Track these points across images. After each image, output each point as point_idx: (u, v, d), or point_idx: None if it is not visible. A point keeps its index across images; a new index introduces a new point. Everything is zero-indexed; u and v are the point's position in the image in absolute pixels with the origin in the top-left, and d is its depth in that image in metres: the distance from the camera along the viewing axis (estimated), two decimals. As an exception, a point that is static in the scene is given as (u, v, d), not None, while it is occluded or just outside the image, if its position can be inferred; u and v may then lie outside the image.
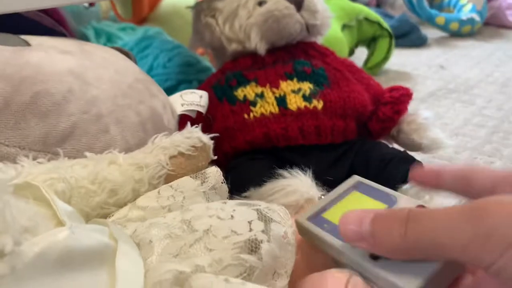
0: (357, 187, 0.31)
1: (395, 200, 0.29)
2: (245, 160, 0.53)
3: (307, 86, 0.55)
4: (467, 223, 0.22)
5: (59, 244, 0.25)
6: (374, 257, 0.26)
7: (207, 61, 0.75)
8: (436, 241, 0.23)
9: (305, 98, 0.54)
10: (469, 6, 1.38)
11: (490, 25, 1.49)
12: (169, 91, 0.69)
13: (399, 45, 1.20)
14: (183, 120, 0.51)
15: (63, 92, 0.38)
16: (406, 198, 0.29)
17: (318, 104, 0.54)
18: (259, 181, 0.47)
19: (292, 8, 0.57)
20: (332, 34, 0.85)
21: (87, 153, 0.37)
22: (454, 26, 1.34)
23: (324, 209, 0.31)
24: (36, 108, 0.36)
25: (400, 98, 0.59)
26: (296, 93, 0.54)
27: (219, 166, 0.50)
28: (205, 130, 0.45)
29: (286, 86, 0.55)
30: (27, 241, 0.24)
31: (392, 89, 0.61)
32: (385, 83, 1.01)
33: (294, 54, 0.60)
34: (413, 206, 0.28)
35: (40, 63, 0.38)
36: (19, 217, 0.26)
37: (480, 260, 0.21)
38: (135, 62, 0.55)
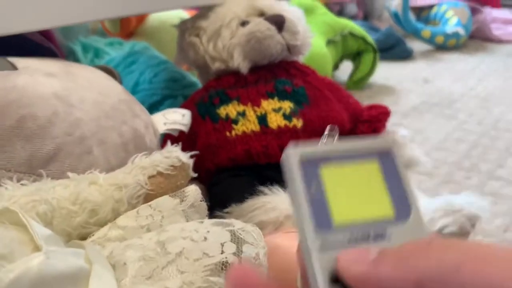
0: (382, 158, 0.21)
1: (407, 212, 0.20)
2: (227, 176, 0.55)
3: (287, 105, 0.57)
4: None
5: (33, 270, 0.26)
6: (335, 280, 0.19)
7: (193, 77, 0.76)
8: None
9: (286, 116, 0.56)
10: (455, 20, 1.41)
11: (475, 38, 1.52)
12: (155, 106, 0.71)
13: (385, 58, 1.22)
14: (166, 139, 0.53)
15: (48, 115, 0.40)
16: (418, 217, 0.20)
17: (298, 122, 0.55)
18: (241, 198, 0.49)
19: (273, 29, 0.59)
20: (317, 50, 0.87)
21: (69, 174, 0.39)
22: (439, 39, 1.37)
23: (327, 158, 0.21)
24: (22, 131, 0.38)
25: (378, 117, 0.62)
26: (276, 111, 0.56)
27: (201, 183, 0.52)
28: (188, 148, 0.46)
29: (267, 105, 0.57)
30: (3, 268, 0.25)
31: (370, 107, 0.63)
32: (369, 97, 1.03)
33: (276, 73, 0.62)
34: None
35: (26, 86, 0.40)
36: (-4, 244, 0.27)
37: None
38: (120, 80, 0.57)
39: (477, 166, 0.75)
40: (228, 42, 0.60)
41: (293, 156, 0.20)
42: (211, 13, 0.63)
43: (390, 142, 0.21)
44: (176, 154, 0.42)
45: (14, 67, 0.43)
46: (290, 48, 0.61)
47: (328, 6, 1.46)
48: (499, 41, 1.51)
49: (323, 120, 0.57)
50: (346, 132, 0.60)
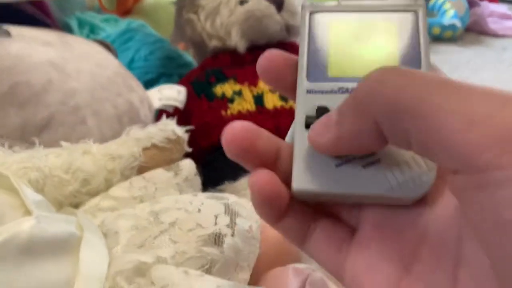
0: (402, 18, 0.20)
1: (418, 59, 0.19)
2: (220, 155, 0.54)
3: (283, 86, 0.57)
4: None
5: (23, 233, 0.26)
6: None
7: (189, 56, 0.76)
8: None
9: (282, 97, 0.55)
10: (452, 12, 1.41)
11: (471, 31, 1.51)
12: (149, 84, 0.70)
13: (381, 47, 1.22)
14: (160, 115, 0.53)
15: (42, 83, 0.39)
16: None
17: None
18: (234, 176, 0.49)
19: (272, 8, 0.58)
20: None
21: (62, 143, 0.38)
22: (436, 30, 1.37)
23: (341, 13, 0.20)
24: (15, 98, 0.37)
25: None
26: (273, 92, 0.56)
27: (194, 161, 0.52)
28: (181, 125, 0.46)
29: (264, 85, 0.56)
30: (-6, 231, 0.25)
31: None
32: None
33: (273, 53, 0.61)
34: None
35: (20, 54, 0.39)
36: (-12, 206, 0.27)
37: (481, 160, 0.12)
38: (116, 54, 0.56)
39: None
40: (226, 20, 0.59)
41: (307, 8, 0.20)
42: (210, -10, 0.62)
43: (418, 4, 0.20)
44: (171, 127, 0.42)
45: (8, 34, 0.42)
46: (289, 29, 0.61)
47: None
48: (494, 35, 1.51)
49: (320, 101, 0.56)
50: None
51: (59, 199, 0.36)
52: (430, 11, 1.52)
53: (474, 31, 1.52)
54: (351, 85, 0.18)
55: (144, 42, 0.73)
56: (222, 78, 0.58)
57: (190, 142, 0.45)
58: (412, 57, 0.19)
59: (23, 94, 0.38)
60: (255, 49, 0.61)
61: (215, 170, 0.53)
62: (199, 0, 0.62)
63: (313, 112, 0.18)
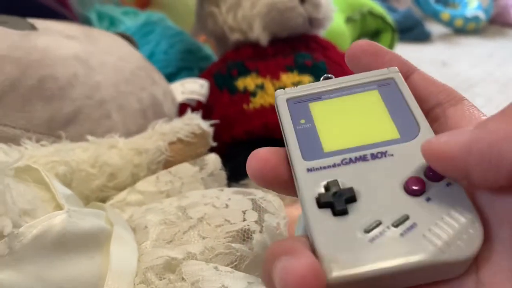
0: (383, 87, 0.20)
1: (415, 131, 0.18)
2: (243, 149, 0.53)
3: (307, 79, 0.56)
4: None
5: (56, 227, 0.26)
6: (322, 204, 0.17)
7: (208, 49, 0.75)
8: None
9: (305, 90, 0.55)
10: (475, 3, 1.37)
11: (495, 23, 1.48)
12: (170, 77, 0.70)
13: (402, 39, 1.20)
14: (183, 108, 0.52)
15: (68, 77, 0.39)
16: (428, 133, 0.18)
17: (317, 97, 0.54)
18: (256, 171, 0.48)
19: (295, 1, 0.57)
20: (335, 28, 0.85)
21: (88, 137, 0.38)
22: (458, 22, 1.34)
23: (318, 96, 0.20)
24: (42, 92, 0.37)
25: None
26: (296, 85, 0.55)
27: (217, 154, 0.51)
28: (204, 119, 0.46)
29: (287, 78, 0.56)
30: (26, 224, 0.25)
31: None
32: (386, 77, 1.02)
33: (295, 46, 0.60)
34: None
35: (47, 47, 0.39)
36: (19, 200, 0.27)
37: None
38: (137, 47, 0.56)
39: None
40: (249, 13, 0.59)
41: (281, 96, 0.21)
42: (232, -18, 0.61)
43: (393, 72, 0.20)
44: (197, 121, 0.41)
45: (34, 28, 0.42)
46: (312, 21, 0.60)
47: (346, -16, 1.43)
48: (519, 27, 1.47)
49: (343, 95, 0.55)
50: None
51: (86, 193, 0.36)
52: (451, 3, 1.49)
53: (497, 23, 1.48)
54: (354, 155, 0.18)
55: (164, 35, 0.72)
56: (244, 71, 0.57)
57: (213, 136, 0.44)
58: (407, 120, 0.19)
59: (50, 88, 0.38)
60: (277, 42, 0.60)
61: (238, 164, 0.52)
62: (221, -8, 0.61)
63: (321, 190, 0.17)
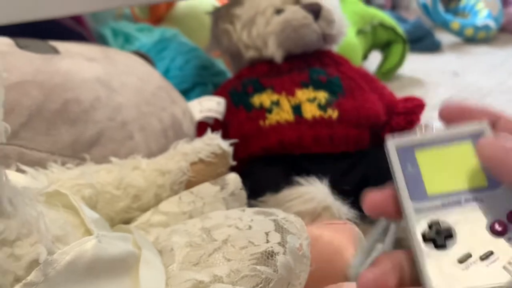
0: (475, 138, 0.23)
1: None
2: (260, 165, 0.54)
3: (322, 95, 0.56)
4: None
5: (87, 253, 0.26)
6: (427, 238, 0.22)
7: (222, 64, 0.76)
8: None
9: (320, 107, 0.55)
10: (485, 12, 1.37)
11: (505, 31, 1.48)
12: (185, 93, 0.71)
13: (413, 49, 1.20)
14: (201, 126, 0.53)
15: (91, 99, 0.40)
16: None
17: (333, 113, 0.55)
18: (275, 187, 0.49)
19: (310, 18, 0.58)
20: (347, 40, 0.86)
21: (112, 158, 0.39)
22: (469, 32, 1.34)
23: (422, 144, 0.24)
24: (66, 115, 0.38)
25: (413, 109, 0.60)
26: (311, 102, 0.56)
27: (233, 171, 0.52)
28: (221, 136, 0.46)
29: (302, 95, 0.56)
30: (59, 250, 0.26)
31: (405, 100, 0.62)
32: (398, 89, 1.01)
33: (309, 62, 0.61)
34: None
35: (70, 71, 0.40)
36: (51, 226, 0.27)
37: None
38: (154, 65, 0.57)
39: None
40: (263, 30, 0.59)
41: (390, 144, 0.25)
42: (245, 0, 0.62)
43: (483, 125, 0.23)
44: (217, 141, 0.42)
45: (56, 51, 0.43)
46: (326, 37, 0.60)
47: (355, -5, 1.44)
48: (529, 35, 1.47)
49: (359, 111, 0.56)
50: (382, 123, 0.59)
51: (111, 215, 0.37)
52: (461, 12, 1.49)
53: (508, 31, 1.48)
54: (451, 199, 0.22)
55: (179, 51, 0.74)
56: (259, 88, 0.58)
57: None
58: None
59: (74, 111, 0.39)
60: (292, 58, 0.61)
61: (255, 181, 0.53)
62: (235, 10, 0.62)
63: (426, 227, 0.21)
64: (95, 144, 0.39)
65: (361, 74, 0.62)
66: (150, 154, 0.43)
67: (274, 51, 0.59)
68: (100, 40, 0.75)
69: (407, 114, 0.60)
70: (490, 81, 1.08)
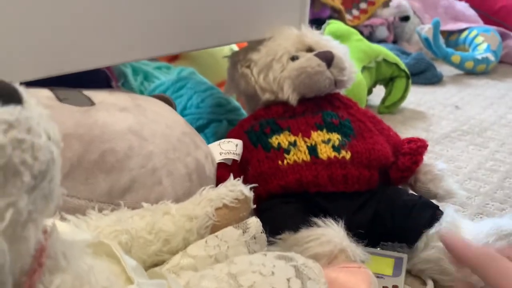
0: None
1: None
2: (278, 202, 0.57)
3: (335, 137, 0.60)
4: None
5: (132, 303, 0.29)
6: None
7: (235, 101, 0.80)
8: None
9: (335, 148, 0.58)
10: (484, 46, 1.42)
11: (504, 63, 1.53)
12: (200, 129, 0.75)
13: (415, 82, 1.24)
14: (221, 167, 0.56)
15: (124, 149, 0.43)
16: None
17: (346, 154, 0.58)
18: (293, 226, 0.51)
19: (323, 65, 0.62)
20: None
21: (144, 204, 0.42)
22: (469, 64, 1.39)
23: None
24: (103, 165, 0.41)
25: (418, 150, 0.64)
26: (326, 143, 0.59)
27: (253, 208, 0.54)
28: (240, 174, 0.49)
29: (317, 136, 0.60)
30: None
31: (410, 141, 0.66)
32: (401, 122, 1.05)
33: (321, 105, 0.65)
34: None
35: (105, 122, 0.44)
36: (99, 278, 0.30)
37: None
38: (175, 108, 0.60)
39: (511, 197, 0.76)
40: (279, 75, 0.63)
41: None
42: (262, 47, 0.66)
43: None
44: (239, 187, 0.45)
45: (91, 102, 0.47)
46: (337, 83, 0.64)
47: (359, 28, 1.49)
48: (528, 67, 1.51)
49: (370, 152, 0.59)
50: (390, 164, 0.62)
51: (143, 258, 0.40)
52: (462, 45, 1.54)
53: (507, 63, 1.53)
54: None
55: (196, 90, 0.77)
56: (277, 129, 0.61)
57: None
58: None
59: (110, 161, 0.42)
60: (305, 101, 0.65)
61: (274, 217, 0.56)
62: (252, 55, 0.66)
63: None
64: (128, 191, 0.43)
65: (368, 116, 0.66)
66: (177, 198, 0.46)
67: (289, 95, 0.63)
68: (121, 77, 0.79)
69: (412, 154, 0.63)
70: (491, 114, 1.12)
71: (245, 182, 0.56)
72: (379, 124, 0.67)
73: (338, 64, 0.63)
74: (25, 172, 0.24)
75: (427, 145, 0.66)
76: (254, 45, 0.68)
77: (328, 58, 0.62)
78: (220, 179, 0.56)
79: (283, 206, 0.56)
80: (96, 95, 0.49)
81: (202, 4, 0.60)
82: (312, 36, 0.67)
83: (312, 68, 0.61)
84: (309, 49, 0.66)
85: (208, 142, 0.72)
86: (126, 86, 0.80)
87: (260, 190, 0.58)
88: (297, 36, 0.66)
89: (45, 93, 0.45)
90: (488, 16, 1.76)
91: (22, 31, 0.46)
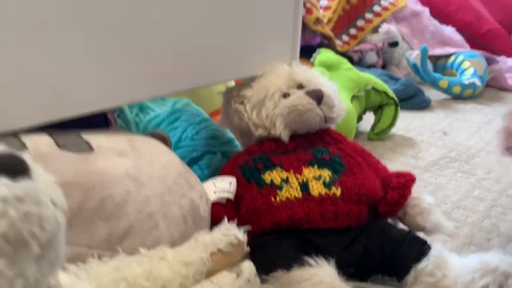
0: None
1: None
2: (271, 238, 0.58)
3: (326, 173, 0.62)
4: None
5: None
6: None
7: (230, 133, 0.81)
8: None
9: (326, 185, 0.60)
10: (471, 71, 1.46)
11: (491, 87, 1.57)
12: (195, 161, 0.76)
13: (404, 108, 1.27)
14: (215, 206, 0.58)
15: (122, 195, 0.45)
16: None
17: (337, 191, 0.60)
18: (285, 264, 0.53)
19: (313, 103, 0.64)
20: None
21: (141, 249, 0.43)
22: (456, 89, 1.42)
23: None
24: (102, 212, 0.43)
25: (406, 184, 0.66)
26: (317, 179, 0.61)
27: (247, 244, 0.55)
28: (233, 210, 0.50)
29: (308, 173, 0.61)
30: None
31: (398, 175, 0.68)
32: (391, 149, 1.08)
33: (312, 141, 0.67)
34: None
35: (104, 169, 0.45)
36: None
37: None
38: (171, 145, 0.62)
39: (497, 226, 0.78)
40: (271, 112, 0.65)
41: None
42: (254, 83, 0.68)
43: None
44: (233, 232, 0.47)
45: (90, 147, 0.48)
46: (327, 119, 0.66)
47: (349, 54, 1.53)
48: (514, 90, 1.55)
49: (359, 188, 0.61)
50: (379, 199, 0.64)
51: (140, 304, 0.41)
52: (449, 69, 1.58)
53: (493, 87, 1.57)
54: None
55: (190, 122, 0.79)
56: (269, 165, 0.63)
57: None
58: None
59: (108, 207, 0.43)
60: (296, 137, 0.67)
61: (267, 254, 0.57)
62: (246, 91, 0.68)
63: None
64: (126, 236, 0.44)
65: (358, 151, 0.68)
66: (172, 240, 0.47)
67: (281, 131, 0.65)
68: (116, 109, 0.80)
69: (401, 189, 0.65)
70: (478, 141, 1.15)
71: (238, 217, 0.58)
72: (368, 157, 0.69)
73: (328, 101, 0.65)
74: (33, 243, 0.25)
75: (414, 179, 0.68)
76: (247, 81, 0.70)
77: (318, 96, 0.64)
78: (214, 216, 0.58)
79: (275, 243, 0.57)
80: (94, 138, 0.50)
81: (196, 44, 0.62)
82: (303, 73, 0.69)
83: (303, 106, 0.64)
84: (300, 86, 0.68)
85: (202, 174, 0.74)
86: (121, 118, 0.81)
87: (253, 226, 0.59)
88: (288, 73, 0.69)
89: (45, 140, 0.46)
90: (475, 40, 1.80)
91: (22, 78, 0.47)
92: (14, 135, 0.45)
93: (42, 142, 0.46)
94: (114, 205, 0.44)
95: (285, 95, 0.66)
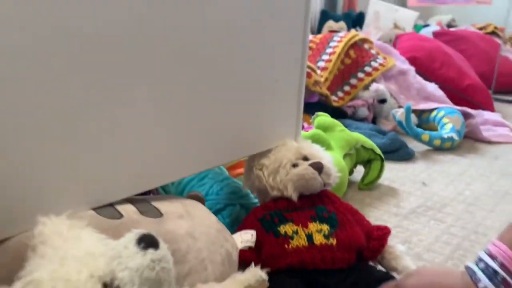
0: None
1: None
2: (284, 277, 0.78)
3: (325, 228, 0.82)
4: None
5: None
6: None
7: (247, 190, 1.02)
8: None
9: (325, 236, 0.81)
10: (450, 126, 1.69)
11: (469, 138, 1.79)
12: (218, 211, 0.97)
13: (390, 159, 1.48)
14: (241, 253, 0.78)
15: (185, 247, 0.65)
16: None
17: (333, 241, 0.80)
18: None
19: (316, 173, 0.85)
20: (336, 164, 1.14)
21: (198, 285, 0.63)
22: (437, 142, 1.64)
23: None
24: (174, 259, 0.63)
25: (383, 236, 0.86)
26: (319, 232, 0.81)
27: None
28: (255, 253, 0.70)
29: (313, 227, 0.82)
30: None
31: (378, 228, 0.88)
32: (378, 198, 1.29)
33: (314, 201, 0.88)
34: None
35: (173, 230, 0.66)
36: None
37: None
38: (204, 202, 0.83)
39: (458, 267, 0.98)
40: (284, 178, 0.86)
41: None
42: (271, 154, 0.90)
43: None
44: (259, 273, 0.67)
45: (160, 213, 0.68)
46: (325, 184, 0.88)
47: (344, 108, 1.75)
48: (488, 142, 1.77)
49: (350, 240, 0.81)
50: (363, 248, 0.84)
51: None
52: (432, 122, 1.80)
53: (471, 138, 1.79)
54: None
55: (215, 180, 1.00)
56: (283, 220, 0.83)
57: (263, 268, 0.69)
58: None
59: (176, 257, 0.63)
60: (302, 197, 0.88)
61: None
62: (264, 160, 0.89)
63: None
64: (187, 277, 0.64)
65: (349, 209, 0.89)
66: (215, 278, 0.67)
67: (292, 193, 0.86)
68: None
69: (380, 239, 0.86)
70: (451, 191, 1.36)
71: (260, 260, 0.78)
72: (356, 214, 0.89)
73: (327, 171, 0.87)
74: (165, 282, 0.46)
75: (390, 231, 0.88)
76: (264, 152, 0.91)
77: (319, 168, 0.86)
78: (241, 258, 0.78)
79: (288, 280, 0.78)
80: (161, 205, 0.71)
81: (231, 127, 0.84)
82: (307, 147, 0.91)
83: (308, 175, 0.85)
84: (305, 158, 0.89)
85: (224, 222, 0.94)
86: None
87: (271, 267, 0.79)
88: (296, 148, 0.90)
89: (131, 208, 0.66)
90: (457, 93, 2.04)
91: (117, 158, 0.68)
92: (111, 205, 0.66)
93: (130, 210, 0.66)
94: (180, 255, 0.64)
95: (295, 165, 0.88)
